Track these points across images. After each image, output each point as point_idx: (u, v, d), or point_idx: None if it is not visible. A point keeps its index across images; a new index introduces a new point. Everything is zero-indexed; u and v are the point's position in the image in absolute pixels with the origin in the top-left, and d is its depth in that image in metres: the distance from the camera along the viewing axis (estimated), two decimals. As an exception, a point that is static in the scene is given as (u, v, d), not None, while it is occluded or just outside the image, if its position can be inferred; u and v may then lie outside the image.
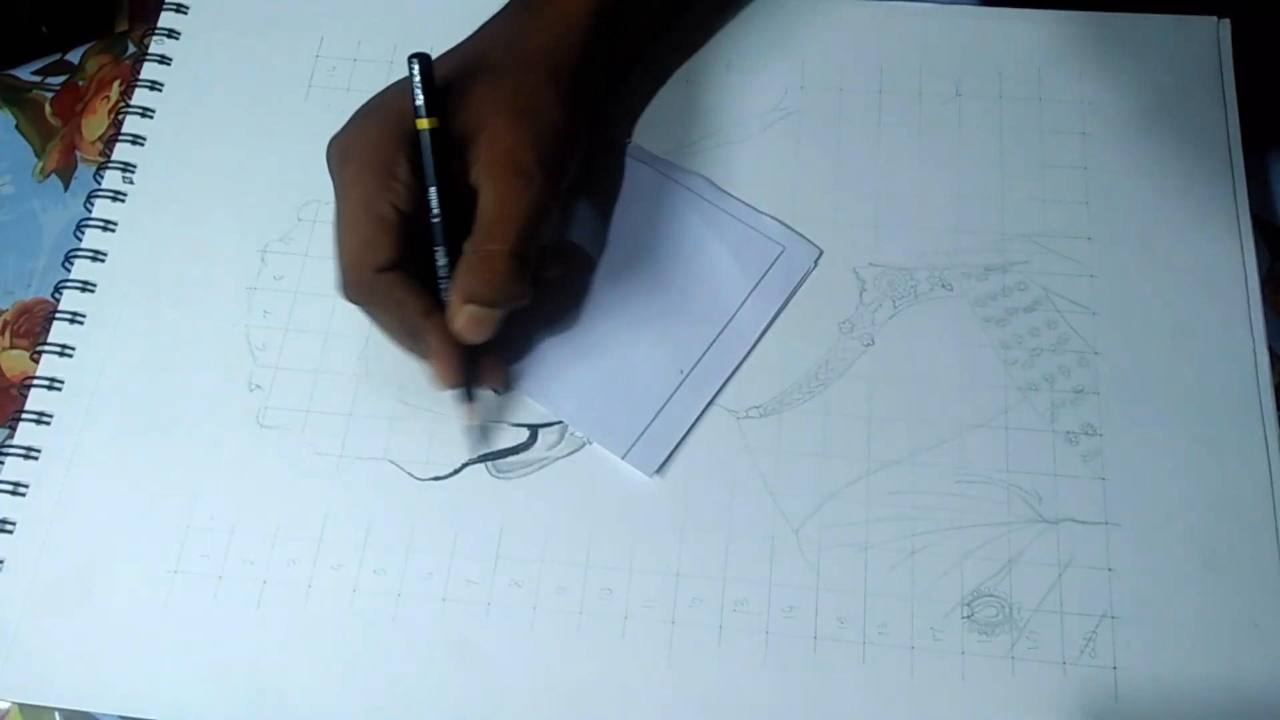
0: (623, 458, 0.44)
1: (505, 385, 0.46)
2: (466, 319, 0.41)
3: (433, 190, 0.41)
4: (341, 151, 0.42)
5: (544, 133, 0.42)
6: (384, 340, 0.45)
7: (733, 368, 0.45)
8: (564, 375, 0.46)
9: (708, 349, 0.46)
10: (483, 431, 0.45)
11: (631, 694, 0.41)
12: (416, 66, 0.41)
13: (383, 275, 0.41)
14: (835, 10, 0.52)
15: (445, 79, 0.42)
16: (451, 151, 0.42)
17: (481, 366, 0.44)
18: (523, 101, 0.42)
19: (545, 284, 0.44)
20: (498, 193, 0.41)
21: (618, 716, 0.41)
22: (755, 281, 0.47)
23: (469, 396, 0.44)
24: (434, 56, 0.42)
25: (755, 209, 0.48)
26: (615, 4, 0.46)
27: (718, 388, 0.45)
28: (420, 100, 0.41)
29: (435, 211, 0.42)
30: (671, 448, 0.44)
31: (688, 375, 0.45)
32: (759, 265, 0.47)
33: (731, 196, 0.48)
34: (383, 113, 0.42)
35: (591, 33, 0.45)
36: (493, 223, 0.41)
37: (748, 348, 0.46)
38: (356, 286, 0.42)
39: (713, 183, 0.49)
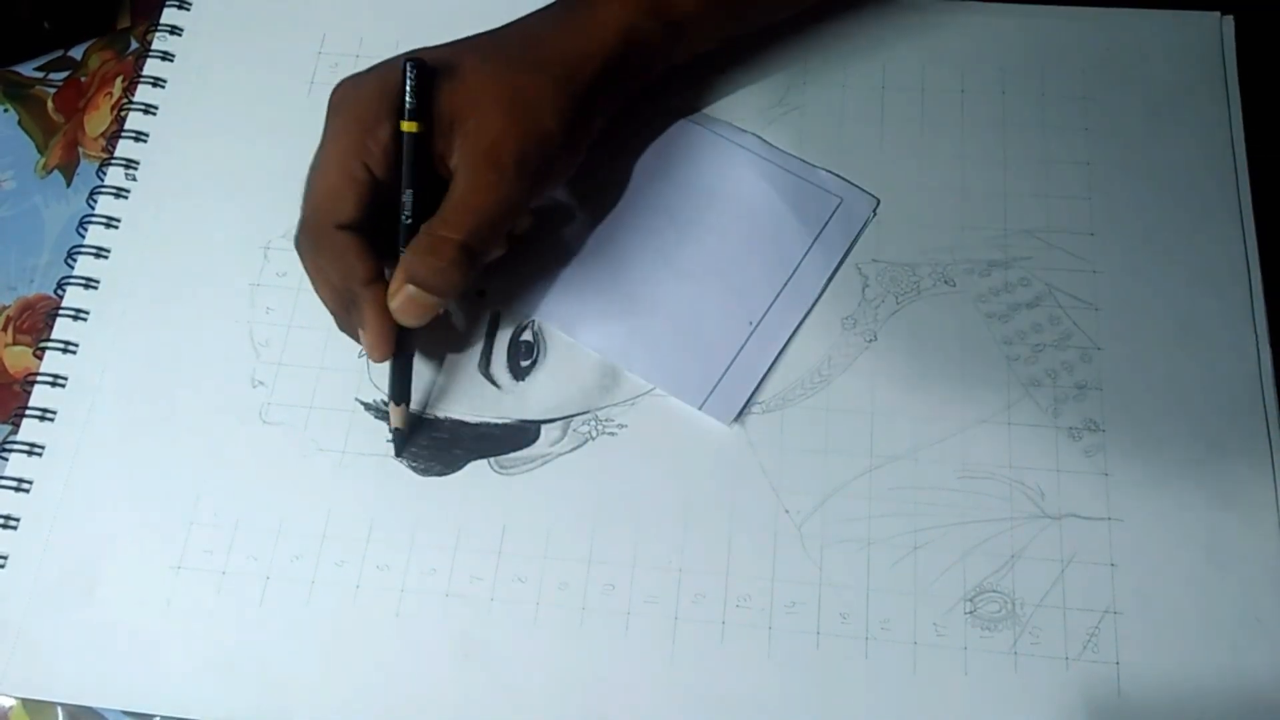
0: (699, 408, 0.45)
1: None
2: (404, 300, 0.41)
3: (408, 193, 0.42)
4: (336, 101, 0.43)
5: (533, 136, 0.42)
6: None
7: (800, 317, 0.46)
8: (635, 332, 0.46)
9: (775, 300, 0.46)
10: (407, 436, 0.45)
11: (634, 690, 0.41)
12: (412, 72, 0.41)
13: (339, 233, 0.41)
14: (838, 7, 0.52)
15: (453, 57, 0.42)
16: (434, 132, 0.42)
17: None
18: (521, 100, 0.42)
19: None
20: (468, 182, 0.41)
21: (620, 712, 0.41)
22: (816, 233, 0.47)
23: (400, 399, 0.44)
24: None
25: (810, 163, 0.48)
26: (645, 36, 0.45)
27: (787, 337, 0.46)
28: (410, 103, 0.41)
29: (407, 214, 0.42)
30: (747, 397, 0.45)
31: (757, 326, 0.46)
32: (818, 217, 0.47)
33: (786, 153, 0.49)
34: (383, 75, 0.42)
35: (615, 57, 0.44)
36: (454, 210, 0.41)
37: (813, 298, 0.46)
38: (312, 235, 0.42)
39: (765, 140, 0.49)
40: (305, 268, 0.43)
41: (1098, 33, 0.51)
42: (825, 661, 0.41)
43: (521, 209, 0.43)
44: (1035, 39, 0.51)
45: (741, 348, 0.45)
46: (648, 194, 0.49)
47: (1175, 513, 0.42)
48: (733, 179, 0.48)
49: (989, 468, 0.43)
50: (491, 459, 0.45)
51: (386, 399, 0.45)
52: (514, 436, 0.45)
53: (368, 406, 0.46)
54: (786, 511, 0.43)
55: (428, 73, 0.41)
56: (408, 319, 0.41)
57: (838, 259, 0.47)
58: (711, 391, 0.45)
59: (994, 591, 0.42)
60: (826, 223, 0.47)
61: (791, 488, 0.44)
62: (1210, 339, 0.45)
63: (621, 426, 0.45)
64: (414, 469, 0.45)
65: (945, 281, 0.47)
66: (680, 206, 0.48)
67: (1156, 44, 0.50)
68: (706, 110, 0.51)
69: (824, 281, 0.46)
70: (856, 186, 0.48)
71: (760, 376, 0.45)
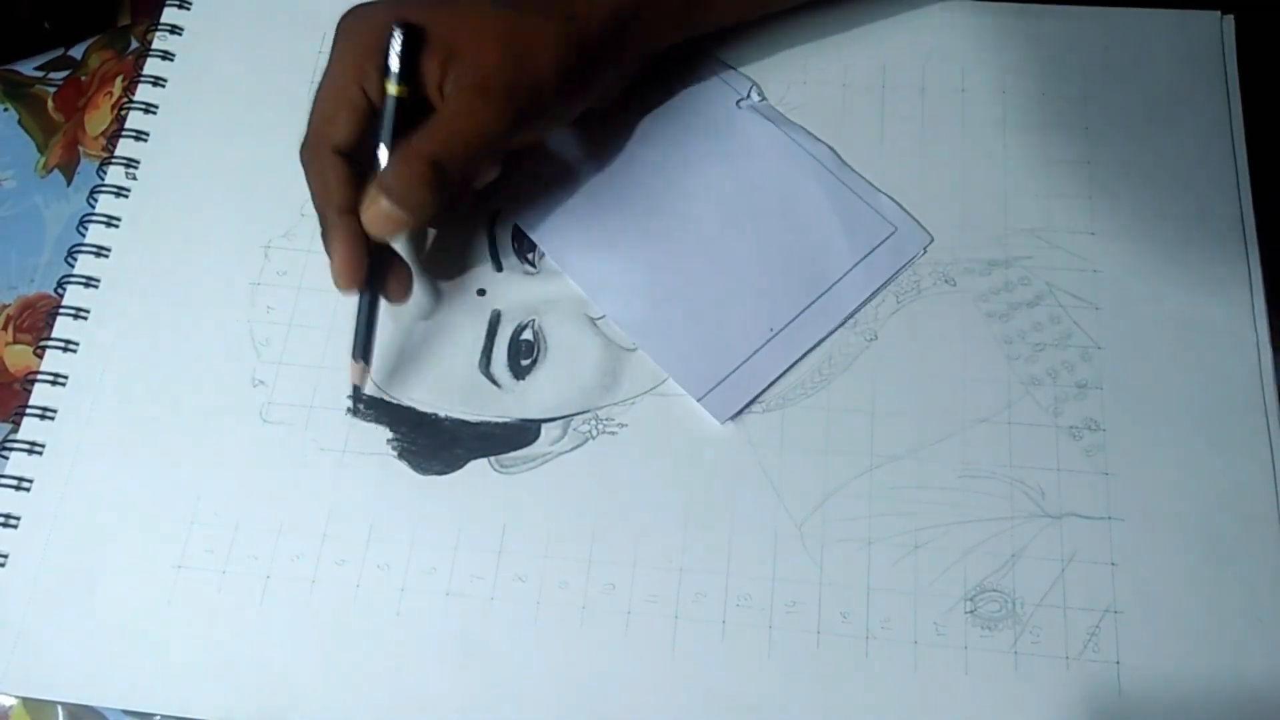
0: (699, 400, 0.45)
1: (403, 299, 0.45)
2: (374, 211, 0.41)
3: (382, 150, 0.42)
4: (345, 26, 0.43)
5: (525, 74, 0.42)
6: (388, 336, 0.46)
7: (822, 336, 0.46)
8: (656, 310, 0.46)
9: (801, 312, 0.46)
10: (360, 393, 0.46)
11: (635, 689, 0.41)
12: (399, 35, 0.41)
13: (330, 155, 0.42)
14: (838, 6, 0.52)
15: None
16: (427, 57, 0.42)
17: (389, 275, 0.44)
18: (520, 39, 0.42)
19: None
20: (452, 106, 0.42)
21: (621, 711, 0.41)
22: (861, 257, 0.47)
23: (363, 356, 0.44)
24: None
25: (875, 187, 0.48)
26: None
27: (804, 352, 0.45)
28: (395, 68, 0.41)
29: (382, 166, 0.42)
30: (748, 400, 0.45)
31: (777, 334, 0.45)
32: (868, 241, 0.47)
33: (854, 171, 0.48)
34: (396, 6, 0.43)
35: (626, 12, 0.44)
36: (432, 128, 0.41)
37: (840, 320, 0.46)
38: (308, 152, 0.43)
39: (838, 155, 0.49)
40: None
41: (1098, 32, 0.51)
42: (826, 661, 0.41)
43: (500, 141, 0.43)
44: (1035, 38, 0.51)
45: (756, 351, 0.45)
46: (704, 178, 0.49)
47: (1176, 512, 0.42)
48: (792, 183, 0.48)
49: (989, 467, 0.43)
50: (492, 458, 0.45)
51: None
52: (514, 436, 0.45)
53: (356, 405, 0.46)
54: (787, 510, 0.43)
55: (415, 37, 0.42)
56: (375, 229, 0.42)
57: (876, 286, 0.46)
58: (715, 387, 0.45)
59: (994, 591, 0.42)
60: (875, 249, 0.47)
61: (791, 487, 0.44)
62: (1211, 338, 0.45)
63: (622, 426, 0.45)
64: (414, 468, 0.45)
65: (945, 280, 0.47)
66: (732, 198, 0.48)
67: (1157, 43, 0.50)
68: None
69: (857, 305, 0.46)
70: (914, 219, 0.47)
71: (767, 383, 0.45)
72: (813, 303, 0.46)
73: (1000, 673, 0.40)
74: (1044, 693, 0.40)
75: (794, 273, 0.47)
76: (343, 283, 0.43)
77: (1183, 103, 0.49)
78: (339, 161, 0.42)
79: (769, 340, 0.45)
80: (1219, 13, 0.50)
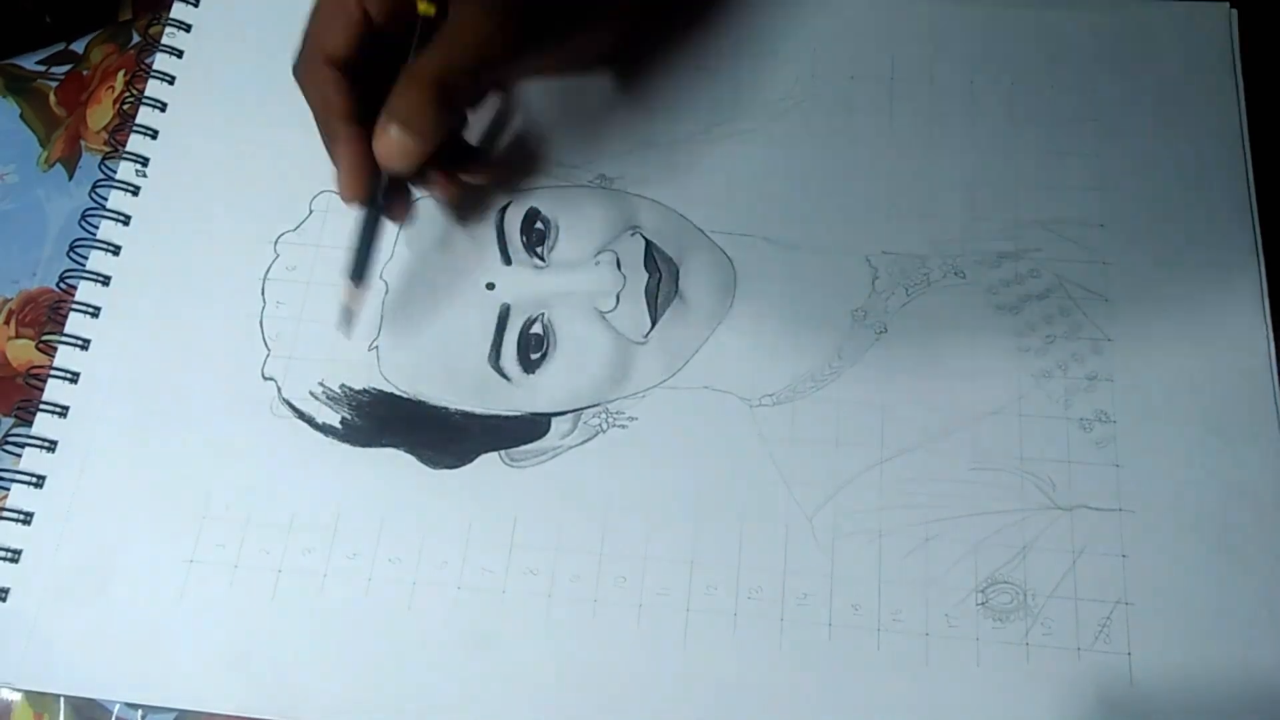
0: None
1: (403, 219, 0.46)
2: (387, 140, 0.40)
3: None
4: None
5: None
6: (398, 331, 0.46)
7: None
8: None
9: None
10: (352, 316, 0.45)
11: (646, 681, 0.41)
12: None
13: (324, 67, 0.41)
14: (844, -3, 0.52)
15: None
16: None
17: (393, 193, 0.44)
18: None
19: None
20: (454, 21, 0.41)
21: (633, 703, 0.41)
22: None
23: (359, 276, 0.44)
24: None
25: None
26: None
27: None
28: None
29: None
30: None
31: None
32: None
33: None
34: None
35: None
36: (435, 47, 0.40)
37: None
38: (302, 65, 0.43)
39: None
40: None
41: (1106, 24, 0.50)
42: (837, 653, 0.41)
43: (503, 57, 0.42)
44: (1043, 30, 0.51)
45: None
46: None
47: (1186, 503, 0.42)
48: None
49: (1000, 459, 0.43)
50: (502, 452, 0.45)
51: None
52: (524, 429, 0.45)
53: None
54: (797, 503, 0.43)
55: None
56: (387, 160, 0.41)
57: None
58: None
59: (1005, 583, 0.42)
60: None
61: (802, 479, 0.44)
62: (1220, 329, 0.45)
63: (632, 419, 0.45)
64: (424, 462, 0.45)
65: (955, 273, 0.47)
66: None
67: (1165, 36, 0.50)
68: (714, 102, 0.50)
69: None
70: None
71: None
72: None
73: (1011, 664, 0.41)
74: (1055, 684, 0.40)
75: None
76: (348, 193, 0.42)
77: (1191, 95, 0.49)
78: (334, 71, 0.41)
79: None
80: (1227, 5, 0.50)
